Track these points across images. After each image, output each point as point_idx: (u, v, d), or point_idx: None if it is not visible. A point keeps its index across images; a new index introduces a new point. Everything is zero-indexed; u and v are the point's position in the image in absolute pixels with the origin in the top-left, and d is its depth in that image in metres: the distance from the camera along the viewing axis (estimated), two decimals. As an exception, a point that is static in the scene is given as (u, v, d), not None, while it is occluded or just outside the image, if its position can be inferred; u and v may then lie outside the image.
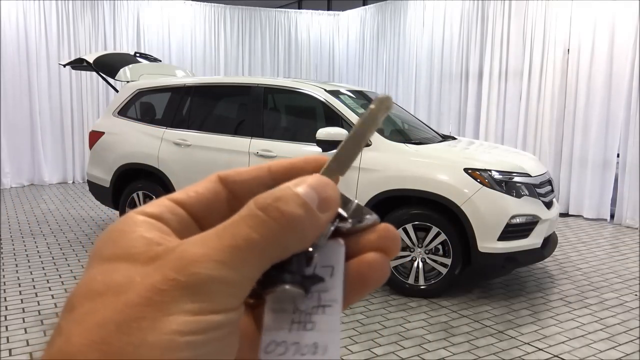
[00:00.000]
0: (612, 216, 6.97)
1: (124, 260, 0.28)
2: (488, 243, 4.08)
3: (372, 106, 0.32)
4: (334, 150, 0.33)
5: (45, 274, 4.74)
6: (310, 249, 0.30)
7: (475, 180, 4.13)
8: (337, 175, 0.32)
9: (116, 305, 0.26)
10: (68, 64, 6.44)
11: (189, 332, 0.25)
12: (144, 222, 0.30)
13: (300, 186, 0.29)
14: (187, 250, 0.27)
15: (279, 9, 11.48)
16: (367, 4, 11.14)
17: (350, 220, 0.32)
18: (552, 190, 4.68)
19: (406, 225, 4.28)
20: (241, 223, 0.28)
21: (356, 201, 0.32)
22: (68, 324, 0.26)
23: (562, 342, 3.55)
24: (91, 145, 5.83)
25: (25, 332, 3.62)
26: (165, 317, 0.25)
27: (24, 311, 3.94)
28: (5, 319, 3.80)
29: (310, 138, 4.59)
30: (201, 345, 0.26)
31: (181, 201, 0.32)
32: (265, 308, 0.31)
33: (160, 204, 0.31)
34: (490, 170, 4.20)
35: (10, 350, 3.37)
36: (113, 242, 0.29)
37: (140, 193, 5.45)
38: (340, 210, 0.31)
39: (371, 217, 0.32)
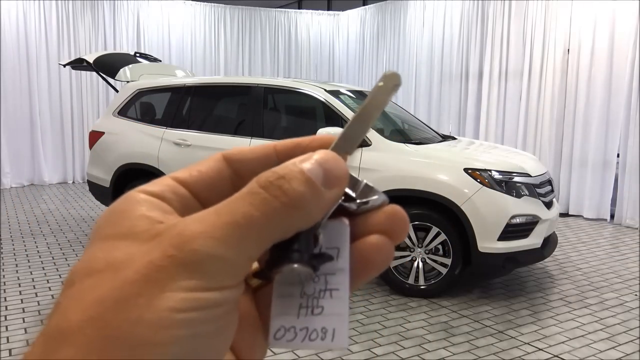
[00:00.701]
0: (612, 216, 6.97)
1: (125, 238, 0.27)
2: (488, 243, 4.08)
3: (379, 83, 0.31)
4: (341, 129, 0.33)
5: (45, 274, 4.74)
6: (317, 229, 0.30)
7: (475, 180, 4.13)
8: (345, 154, 0.31)
9: (114, 282, 0.25)
10: (68, 64, 6.44)
11: (185, 309, 0.25)
12: (145, 200, 0.29)
13: (307, 162, 0.28)
14: (186, 227, 0.27)
15: (279, 9, 11.48)
16: (367, 4, 11.14)
17: (357, 200, 0.31)
18: (552, 190, 4.68)
19: (406, 225, 4.27)
20: (242, 200, 0.27)
21: (365, 181, 0.31)
22: (66, 300, 0.26)
23: (562, 342, 3.55)
24: (91, 145, 5.83)
25: (25, 332, 3.62)
26: (162, 293, 0.25)
27: (24, 311, 3.94)
28: (5, 319, 3.80)
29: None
30: (198, 323, 0.25)
31: (184, 180, 0.32)
32: (273, 294, 0.30)
33: (162, 183, 0.31)
34: (490, 170, 4.20)
35: (10, 350, 3.37)
36: (114, 220, 0.29)
37: (140, 193, 5.44)
38: (348, 190, 0.31)
39: (380, 198, 0.31)
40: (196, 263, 0.26)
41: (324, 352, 3.38)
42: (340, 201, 0.30)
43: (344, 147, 0.31)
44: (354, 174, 0.31)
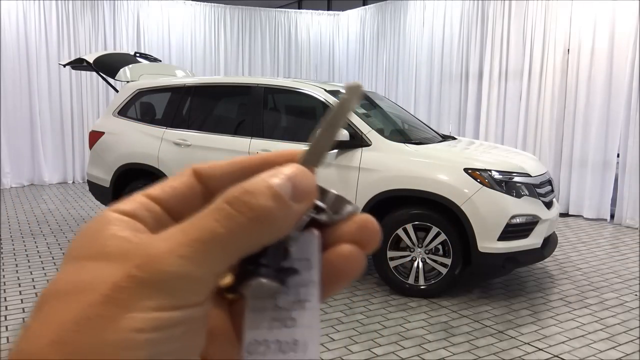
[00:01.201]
0: (612, 216, 6.97)
1: (95, 259, 0.27)
2: (488, 243, 4.08)
3: (343, 95, 0.32)
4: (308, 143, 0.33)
5: (45, 274, 4.74)
6: (287, 242, 0.30)
7: (475, 180, 4.13)
8: (312, 167, 0.31)
9: (78, 304, 0.25)
10: (68, 64, 6.44)
11: (148, 329, 0.25)
12: (117, 220, 0.29)
13: (275, 177, 0.28)
14: (151, 246, 0.27)
15: (279, 9, 11.48)
16: (367, 4, 11.14)
17: (328, 212, 0.31)
18: (552, 190, 4.68)
19: (406, 225, 4.28)
20: (208, 217, 0.27)
21: (334, 191, 0.32)
22: (34, 323, 0.26)
23: (562, 342, 3.55)
24: (91, 145, 5.83)
25: (25, 332, 3.62)
26: (125, 314, 0.25)
27: (24, 311, 3.94)
28: (5, 319, 3.80)
29: (310, 138, 4.58)
30: (162, 343, 0.25)
31: (156, 197, 0.31)
32: (245, 307, 0.30)
33: (134, 201, 0.31)
34: (490, 170, 4.20)
35: (10, 350, 3.37)
36: (86, 241, 0.29)
37: (140, 193, 5.44)
38: (317, 202, 0.31)
39: (351, 208, 0.31)
40: (159, 282, 0.26)
41: (324, 352, 3.38)
42: (310, 213, 0.31)
43: (312, 159, 0.31)
44: (323, 186, 0.31)
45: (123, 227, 0.29)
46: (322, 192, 0.31)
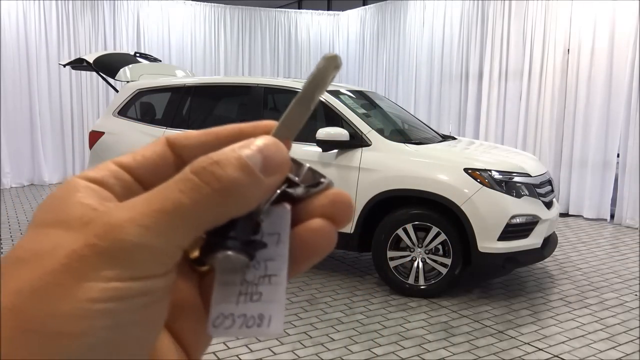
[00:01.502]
0: (612, 216, 6.97)
1: (58, 226, 0.27)
2: (488, 243, 4.08)
3: (319, 65, 0.31)
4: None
5: (45, 274, 4.74)
6: (257, 215, 0.29)
7: (475, 180, 4.13)
8: (287, 139, 0.30)
9: (35, 272, 0.25)
10: (68, 64, 6.44)
11: (105, 299, 0.24)
12: (84, 187, 0.29)
13: (246, 148, 0.28)
14: (113, 215, 0.26)
15: (279, 9, 11.48)
16: (367, 4, 11.14)
17: (300, 185, 0.31)
18: (552, 190, 4.69)
19: (406, 225, 4.28)
20: (173, 187, 0.26)
21: (308, 165, 0.31)
22: None
23: (562, 342, 3.55)
24: (91, 145, 5.82)
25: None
26: (82, 284, 0.24)
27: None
28: (5, 319, 3.80)
29: (310, 138, 4.59)
30: (119, 314, 0.25)
31: (127, 165, 0.31)
32: (214, 281, 0.30)
33: (104, 168, 0.30)
34: (490, 170, 4.20)
35: None
36: (50, 208, 0.28)
37: (140, 193, 5.45)
38: (290, 175, 0.30)
39: (324, 182, 0.31)
40: (119, 252, 0.25)
41: (324, 352, 3.38)
42: (282, 187, 0.30)
43: (286, 132, 0.31)
44: (297, 159, 0.31)
45: (88, 195, 0.28)
46: (296, 165, 0.31)
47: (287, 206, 0.30)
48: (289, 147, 0.30)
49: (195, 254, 0.30)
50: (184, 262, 0.28)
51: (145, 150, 0.32)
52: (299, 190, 0.31)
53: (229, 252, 0.28)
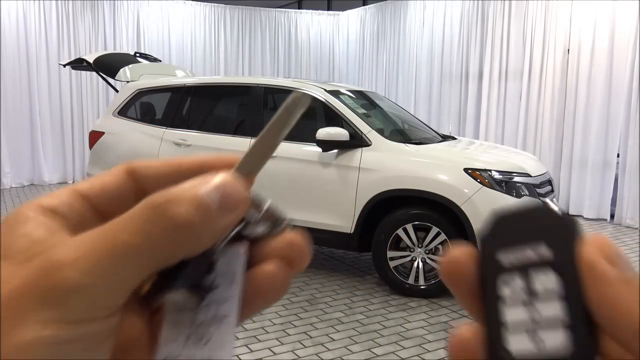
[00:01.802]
0: (612, 216, 6.97)
1: (4, 259, 0.25)
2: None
3: (286, 103, 0.30)
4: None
5: (45, 274, 4.74)
6: (211, 254, 0.28)
7: (475, 180, 4.13)
8: (250, 174, 0.29)
9: None
10: (68, 64, 6.44)
11: (42, 343, 0.23)
12: (34, 217, 0.27)
13: (203, 184, 0.26)
14: (57, 253, 0.24)
15: (279, 9, 11.48)
16: (367, 4, 11.15)
17: (259, 224, 0.29)
18: (552, 190, 4.69)
19: (406, 225, 4.29)
20: (124, 224, 0.25)
21: (269, 202, 0.30)
22: None
23: (562, 342, 3.55)
24: (91, 145, 5.83)
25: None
26: (18, 325, 0.23)
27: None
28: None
29: (310, 138, 4.60)
30: (57, 358, 0.23)
31: (84, 193, 0.29)
32: (164, 320, 0.29)
33: (60, 195, 0.29)
34: (490, 170, 4.20)
35: None
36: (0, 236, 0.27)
37: (140, 193, 5.45)
38: (249, 213, 0.29)
39: (283, 223, 0.30)
40: (59, 294, 0.23)
41: (324, 352, 3.39)
42: (240, 225, 0.29)
43: (249, 167, 0.29)
44: (258, 195, 0.29)
45: (37, 226, 0.27)
46: (256, 202, 0.29)
47: (243, 246, 0.29)
48: (251, 183, 0.29)
49: (147, 288, 0.28)
50: (134, 297, 0.27)
51: (105, 177, 0.31)
52: (257, 230, 0.29)
53: (179, 293, 0.27)
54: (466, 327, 0.26)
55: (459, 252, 0.26)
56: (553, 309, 0.22)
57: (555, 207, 0.24)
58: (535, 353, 0.22)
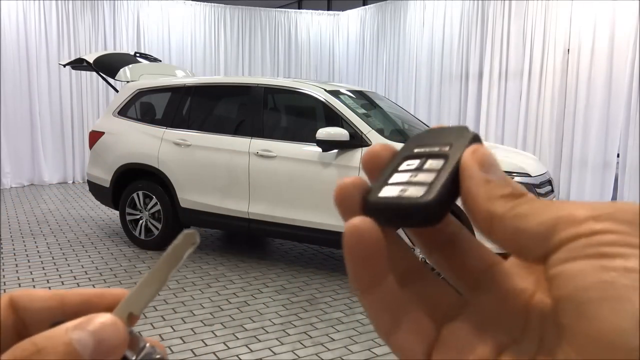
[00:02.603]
0: (612, 216, 6.97)
1: None
2: (488, 243, 4.07)
3: (176, 242, 0.30)
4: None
5: (45, 274, 4.74)
6: None
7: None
8: (133, 314, 0.28)
9: None
10: (68, 64, 6.44)
11: None
12: None
13: (77, 330, 0.25)
14: None
15: (279, 9, 11.49)
16: (367, 4, 11.15)
17: None
18: (552, 190, 4.69)
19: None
20: None
21: (148, 343, 0.29)
22: None
23: (562, 342, 3.55)
24: (91, 145, 5.83)
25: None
26: None
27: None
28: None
29: (310, 138, 4.60)
30: None
31: None
32: None
33: None
34: (490, 171, 4.20)
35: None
36: None
37: (140, 193, 5.46)
38: (127, 355, 0.28)
39: None
40: None
41: (324, 352, 3.39)
42: None
43: (132, 307, 0.28)
44: (136, 335, 0.28)
45: None
46: (134, 342, 0.28)
47: None
48: (133, 323, 0.28)
49: None
50: None
51: None
52: None
53: None
54: (351, 178, 0.29)
55: (380, 146, 0.30)
56: (427, 177, 0.27)
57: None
58: (394, 197, 0.27)
